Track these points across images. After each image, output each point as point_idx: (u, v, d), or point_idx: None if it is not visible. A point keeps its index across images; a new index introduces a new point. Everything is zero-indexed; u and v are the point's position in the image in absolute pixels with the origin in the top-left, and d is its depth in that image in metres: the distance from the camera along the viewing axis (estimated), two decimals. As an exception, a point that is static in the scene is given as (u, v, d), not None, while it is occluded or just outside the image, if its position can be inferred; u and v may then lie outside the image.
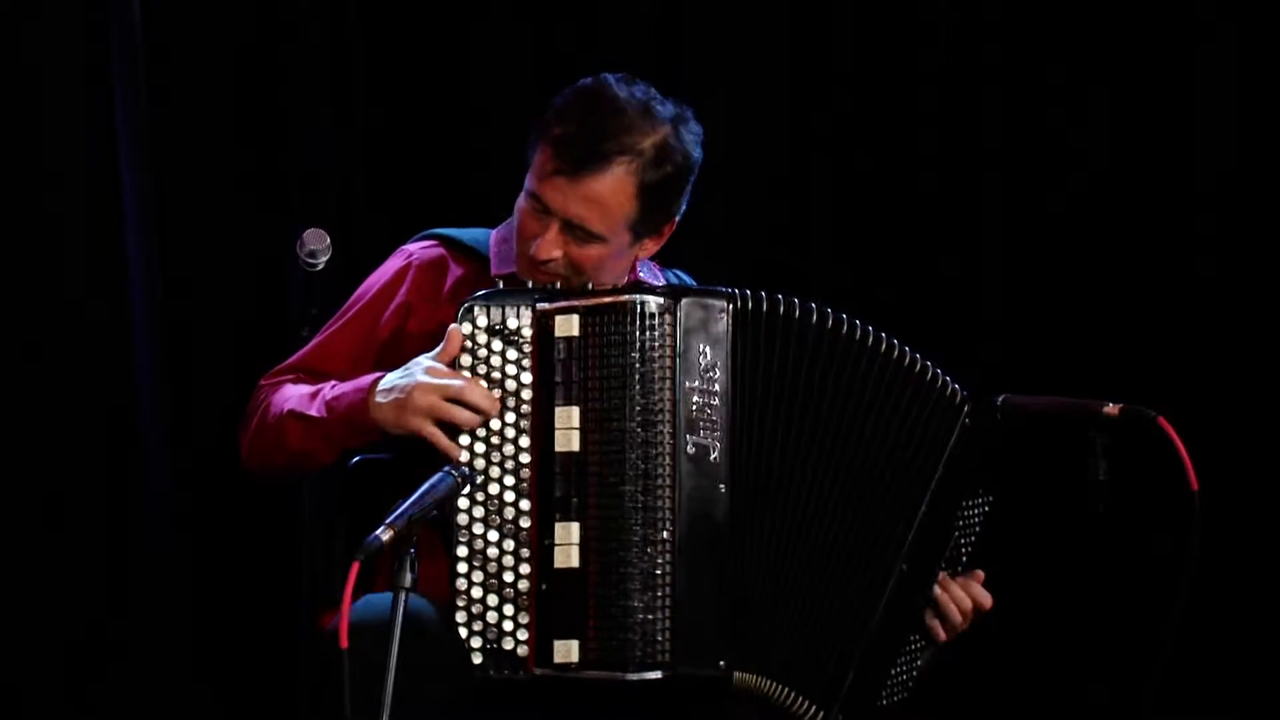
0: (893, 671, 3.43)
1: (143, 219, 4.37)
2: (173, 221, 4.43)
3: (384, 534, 3.03)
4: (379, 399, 3.31)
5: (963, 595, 3.45)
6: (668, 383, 3.26)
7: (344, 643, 2.98)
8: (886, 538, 3.38)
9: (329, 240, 3.93)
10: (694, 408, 3.27)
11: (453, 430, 3.27)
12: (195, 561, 4.46)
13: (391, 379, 3.31)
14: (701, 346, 3.28)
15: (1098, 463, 3.43)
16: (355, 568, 3.02)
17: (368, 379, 3.36)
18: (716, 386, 3.28)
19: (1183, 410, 3.48)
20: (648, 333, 3.26)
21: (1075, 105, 4.70)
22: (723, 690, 3.26)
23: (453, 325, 3.29)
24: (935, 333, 4.54)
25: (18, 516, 4.31)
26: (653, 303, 3.27)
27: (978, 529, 3.50)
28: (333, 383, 3.41)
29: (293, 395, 3.43)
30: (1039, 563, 4.56)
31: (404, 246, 3.62)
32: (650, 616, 3.21)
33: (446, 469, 3.18)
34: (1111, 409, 3.42)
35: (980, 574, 3.50)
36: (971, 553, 3.50)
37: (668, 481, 3.25)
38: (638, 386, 3.25)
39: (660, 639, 3.21)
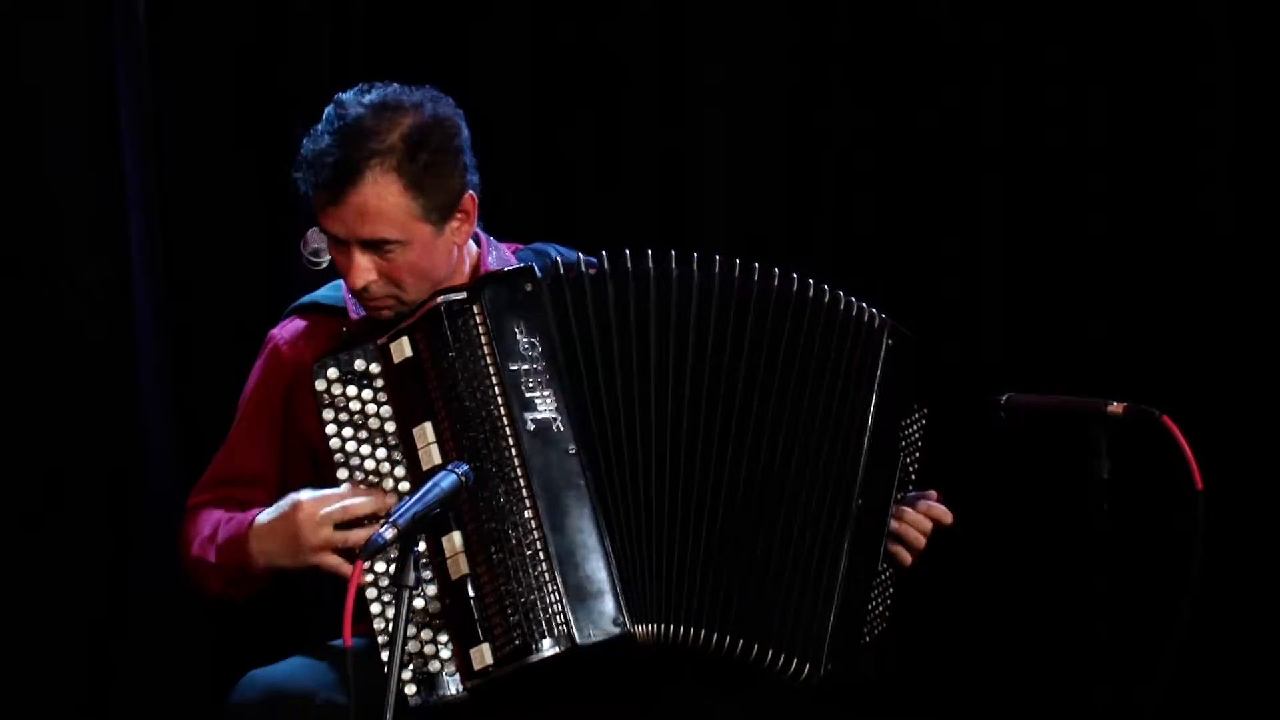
0: (869, 607, 3.43)
1: (146, 220, 4.36)
2: (176, 221, 4.42)
3: (387, 533, 3.04)
4: (261, 545, 3.38)
5: (919, 517, 3.49)
6: (492, 369, 3.31)
7: (348, 641, 2.99)
8: (835, 475, 3.40)
9: (332, 239, 3.93)
10: (525, 386, 3.32)
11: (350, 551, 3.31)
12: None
13: (268, 517, 3.38)
14: (518, 325, 3.34)
15: (1101, 462, 3.44)
16: (359, 566, 3.04)
17: (247, 518, 3.42)
18: (542, 359, 3.33)
19: (1187, 409, 3.48)
20: (463, 328, 3.33)
21: (1079, 97, 4.69)
22: (630, 648, 3.27)
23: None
24: (939, 330, 4.58)
25: (18, 517, 4.30)
26: (456, 299, 3.34)
27: (919, 445, 3.50)
28: (226, 518, 3.47)
29: (197, 536, 3.51)
30: (1042, 562, 4.57)
31: (270, 333, 3.65)
32: (536, 597, 3.24)
33: (450, 467, 3.19)
34: (1116, 408, 3.43)
35: (933, 493, 3.52)
36: (918, 469, 3.51)
37: (517, 462, 3.29)
38: (469, 382, 3.31)
39: (554, 615, 3.24)
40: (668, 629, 3.29)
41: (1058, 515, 4.44)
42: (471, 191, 3.48)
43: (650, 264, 3.39)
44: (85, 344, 4.33)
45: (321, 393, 3.36)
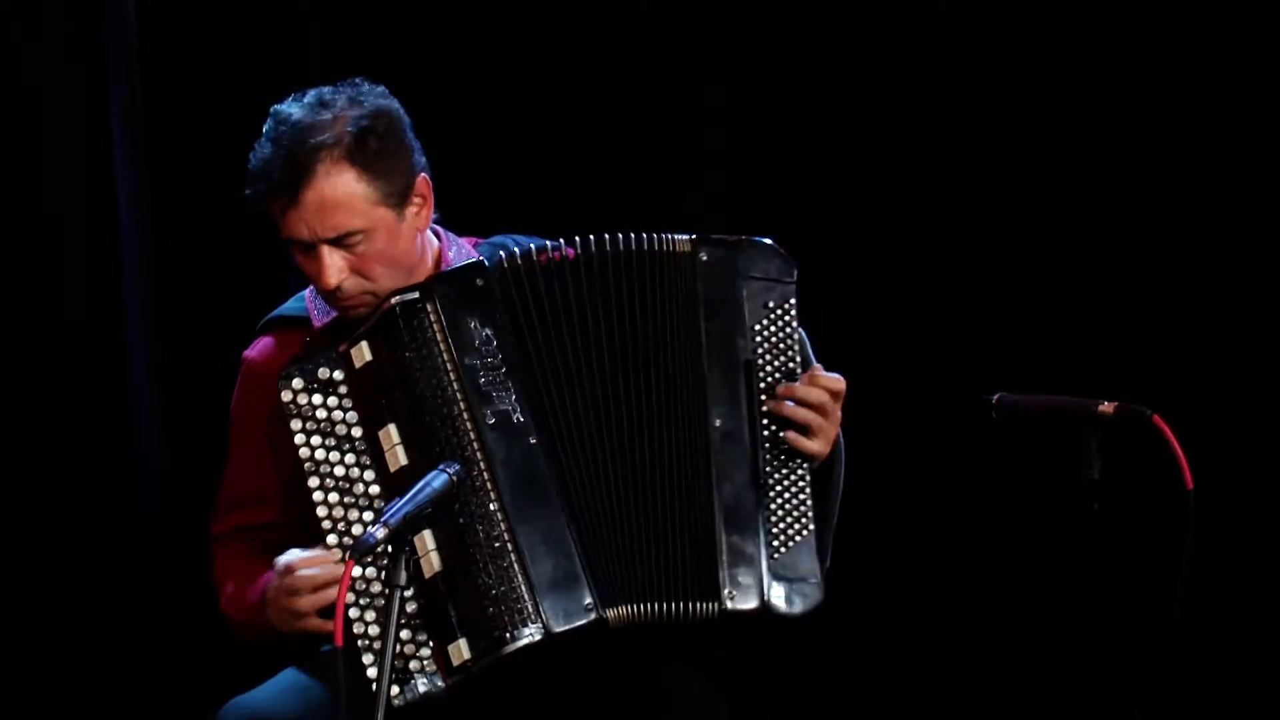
0: (772, 518, 3.38)
1: (140, 219, 4.36)
2: (170, 221, 4.43)
3: (379, 532, 3.05)
4: (269, 614, 3.40)
5: (803, 390, 3.40)
6: (450, 366, 3.33)
7: (339, 641, 3.01)
8: (687, 407, 3.39)
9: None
10: (481, 380, 3.33)
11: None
12: (195, 561, 4.45)
13: (270, 595, 3.40)
14: (472, 321, 3.35)
15: (1093, 461, 3.44)
16: (350, 566, 3.06)
17: (260, 587, 3.44)
18: (498, 352, 3.35)
19: (1178, 409, 3.48)
20: (417, 327, 3.34)
21: (1076, 98, 4.69)
22: (603, 633, 3.29)
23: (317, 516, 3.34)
24: (933, 332, 4.58)
25: (17, 517, 4.30)
26: (409, 298, 3.35)
27: (790, 341, 3.44)
28: (247, 575, 3.50)
29: (223, 589, 3.57)
30: (1033, 561, 4.57)
31: (243, 354, 3.68)
32: (507, 589, 3.26)
33: (441, 467, 3.21)
34: (1107, 408, 3.43)
35: (816, 365, 3.45)
36: (804, 356, 3.46)
37: (479, 456, 3.30)
38: (427, 382, 3.33)
39: (524, 605, 3.26)
40: (636, 609, 3.30)
41: (1049, 514, 4.44)
42: (424, 174, 3.50)
43: (562, 253, 3.41)
44: (82, 343, 4.34)
45: (288, 404, 3.37)
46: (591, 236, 3.41)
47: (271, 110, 3.47)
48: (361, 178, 3.40)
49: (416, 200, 3.47)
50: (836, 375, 3.44)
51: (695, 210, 4.73)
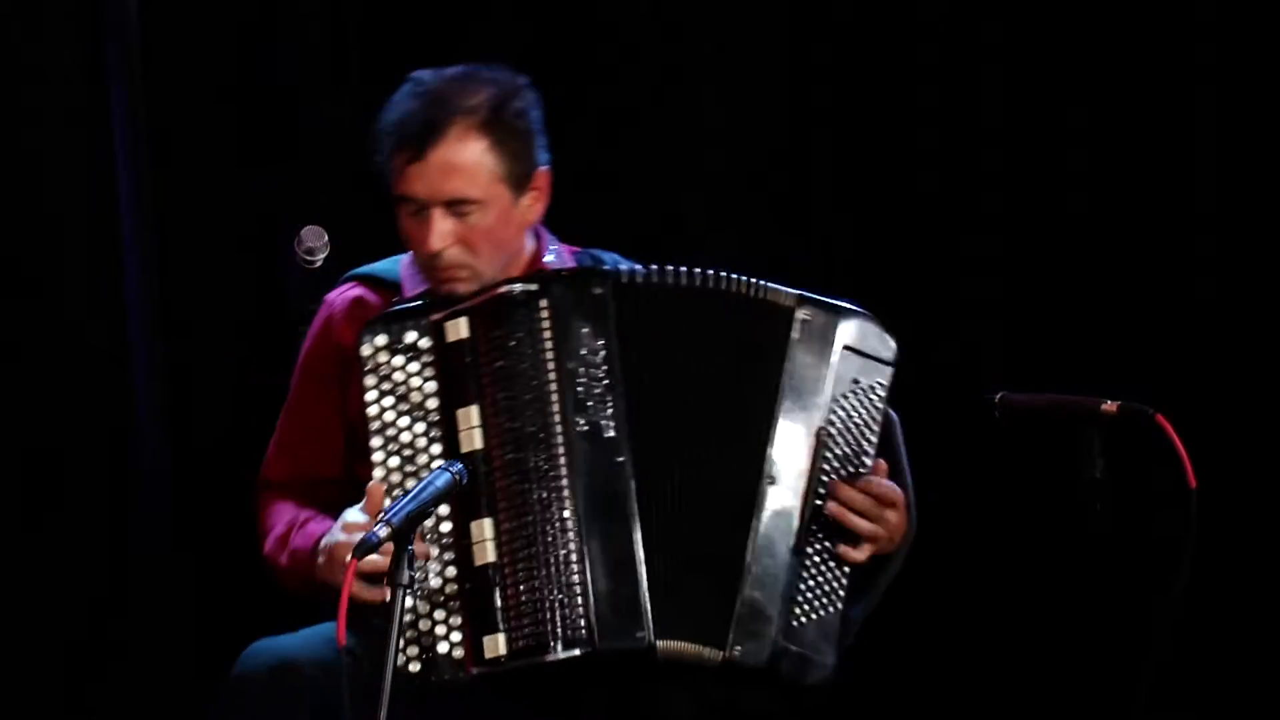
0: (801, 587, 3.35)
1: (139, 218, 4.37)
2: (170, 220, 4.43)
3: (381, 531, 3.04)
4: (319, 562, 3.37)
5: (859, 496, 3.38)
6: (551, 365, 3.31)
7: (341, 640, 2.99)
8: (749, 459, 3.37)
9: (327, 238, 3.95)
10: (580, 388, 3.31)
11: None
12: (196, 561, 4.46)
13: (324, 543, 3.36)
14: (581, 327, 3.33)
15: (1095, 461, 3.43)
16: (353, 565, 3.04)
17: (314, 534, 3.41)
18: (604, 364, 3.33)
19: (1181, 408, 3.48)
20: (526, 320, 3.32)
21: (1076, 97, 4.69)
22: (649, 661, 3.26)
23: (371, 482, 3.32)
24: (934, 330, 4.58)
25: (17, 518, 4.31)
26: (525, 289, 3.34)
27: (869, 423, 3.42)
28: (300, 520, 3.48)
29: (270, 532, 3.52)
30: (1035, 560, 4.56)
31: (326, 296, 3.66)
32: (564, 597, 3.24)
33: (444, 465, 3.19)
34: (1110, 406, 3.43)
35: (878, 466, 3.42)
36: (876, 444, 3.43)
37: (563, 462, 3.28)
38: (525, 375, 3.31)
39: (578, 619, 3.23)
40: (687, 647, 3.28)
41: (1051, 514, 4.43)
42: (546, 168, 3.50)
43: (686, 279, 3.38)
44: (81, 343, 4.34)
45: (367, 358, 3.35)
46: (698, 270, 3.39)
47: (412, 75, 3.48)
48: (490, 150, 3.41)
49: (534, 191, 3.48)
50: (892, 485, 3.41)
51: (694, 211, 4.73)
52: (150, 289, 4.38)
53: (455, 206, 3.41)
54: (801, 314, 3.40)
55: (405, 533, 3.07)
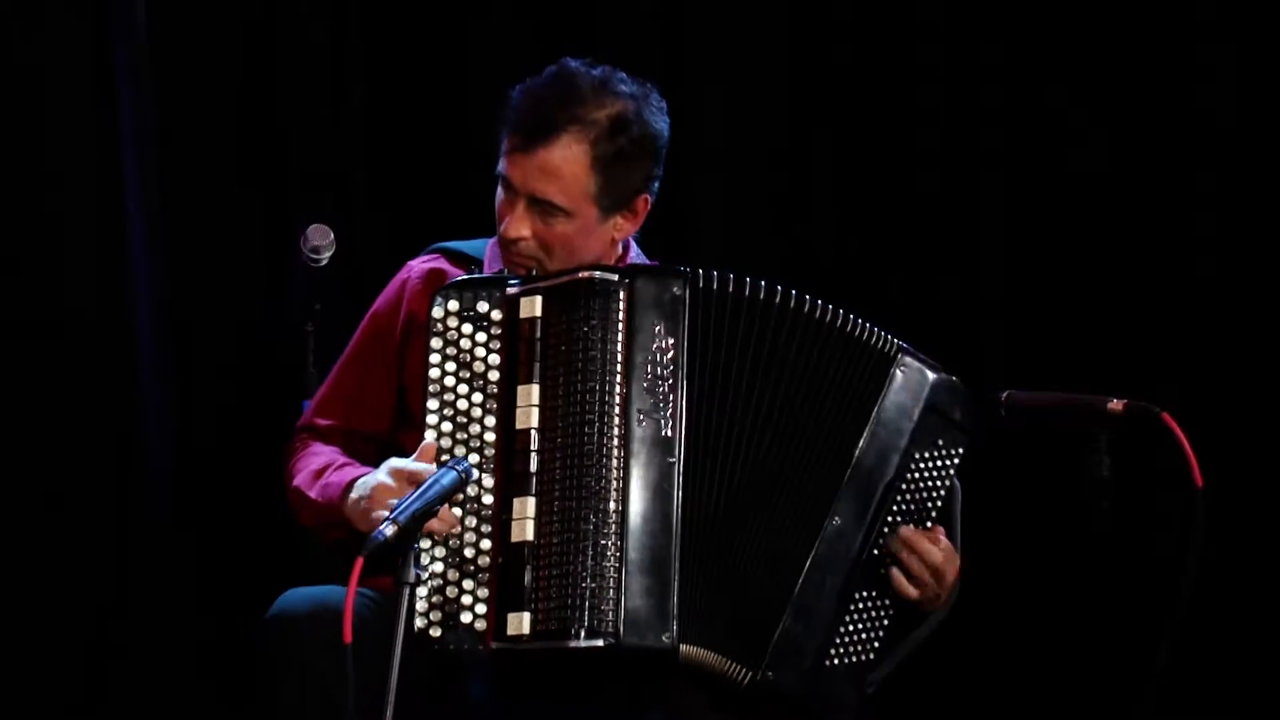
0: (842, 629, 3.37)
1: (146, 217, 4.37)
2: (176, 219, 4.43)
3: (388, 529, 3.03)
4: (351, 497, 3.35)
5: (927, 545, 3.39)
6: (619, 358, 3.30)
7: (347, 638, 2.98)
8: (816, 491, 3.37)
9: (333, 236, 3.94)
10: (645, 382, 3.30)
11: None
12: (197, 560, 4.46)
13: (363, 481, 3.35)
14: (656, 323, 3.31)
15: (1101, 459, 3.42)
16: (359, 564, 3.02)
17: (349, 475, 3.40)
18: (671, 363, 3.31)
19: (1187, 407, 3.48)
20: (602, 309, 3.30)
21: (1078, 96, 4.69)
22: (669, 663, 3.26)
23: (426, 440, 3.30)
24: (938, 328, 4.58)
25: (20, 516, 4.31)
26: (607, 279, 3.31)
27: (942, 484, 3.43)
28: (339, 463, 3.47)
29: (305, 468, 3.50)
30: (1041, 559, 4.57)
31: (409, 261, 3.66)
32: (597, 587, 3.22)
33: (451, 464, 3.19)
34: (1116, 405, 3.41)
35: (938, 528, 3.43)
36: (942, 509, 3.44)
37: (616, 456, 3.27)
38: (593, 362, 3.29)
39: (606, 610, 3.22)
40: (711, 657, 3.28)
41: (1058, 513, 4.44)
42: (648, 195, 3.51)
43: (765, 293, 3.37)
44: (88, 343, 4.35)
45: (436, 320, 3.33)
46: (807, 295, 3.38)
47: (564, 60, 3.48)
48: (592, 168, 3.42)
49: (627, 214, 3.50)
50: (950, 549, 3.42)
51: (694, 210, 4.73)
52: (155, 287, 4.39)
53: (542, 206, 3.43)
54: (902, 365, 3.42)
55: (412, 531, 3.06)
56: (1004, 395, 3.53)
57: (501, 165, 3.47)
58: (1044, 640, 4.60)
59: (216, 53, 4.48)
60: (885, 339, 3.42)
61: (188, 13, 4.45)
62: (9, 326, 4.30)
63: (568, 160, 3.41)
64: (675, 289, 3.33)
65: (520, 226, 3.44)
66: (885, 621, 3.41)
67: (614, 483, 3.26)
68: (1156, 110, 4.67)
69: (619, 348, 3.30)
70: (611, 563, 3.23)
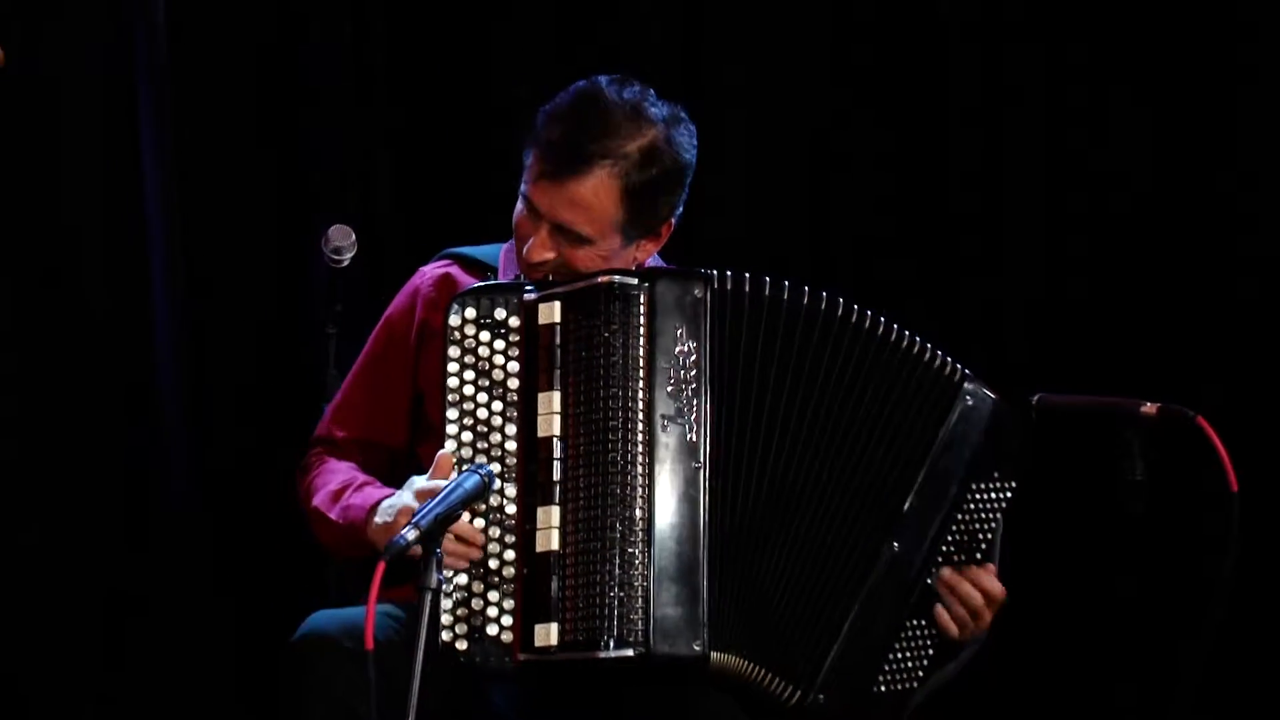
0: (891, 656, 3.35)
1: (165, 217, 4.38)
2: (196, 219, 4.43)
3: (410, 534, 3.01)
4: (376, 522, 3.33)
5: (969, 588, 3.36)
6: (642, 363, 3.27)
7: (369, 644, 2.95)
8: (876, 516, 3.33)
9: (354, 237, 3.92)
10: (669, 387, 3.27)
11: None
12: (215, 556, 4.46)
13: (388, 504, 3.33)
14: (678, 327, 3.28)
15: (1135, 463, 3.40)
16: (381, 568, 2.99)
17: (372, 498, 3.37)
18: (694, 367, 3.28)
19: (1222, 410, 3.45)
20: (622, 314, 3.27)
21: (1104, 96, 4.66)
22: (699, 671, 3.23)
23: (441, 451, 3.28)
24: (969, 331, 4.55)
25: (38, 508, 4.30)
26: (627, 283, 3.28)
27: (995, 516, 3.40)
28: (358, 482, 3.44)
29: (323, 487, 3.48)
30: (1075, 564, 4.53)
31: (421, 267, 3.64)
32: (625, 596, 3.20)
33: (473, 468, 3.16)
34: (1150, 409, 3.39)
35: (990, 565, 3.40)
36: (991, 541, 3.41)
37: (641, 462, 3.24)
38: (614, 368, 3.26)
39: (635, 619, 3.20)
40: (739, 662, 3.25)
41: (1091, 516, 4.41)
42: (673, 220, 3.48)
43: (792, 295, 3.34)
44: (107, 343, 4.34)
45: (453, 328, 3.31)
46: (869, 311, 3.35)
47: (597, 79, 3.43)
48: (621, 203, 3.37)
49: (652, 239, 3.47)
50: (1000, 587, 3.39)
51: (711, 209, 4.70)
52: (175, 288, 4.38)
53: (567, 233, 3.39)
54: (968, 393, 3.38)
55: (435, 535, 3.03)
56: (1036, 398, 3.50)
57: (526, 187, 3.42)
58: (1079, 644, 4.57)
59: (237, 54, 4.48)
60: (950, 363, 3.38)
61: (208, 13, 4.44)
62: (29, 327, 4.29)
63: (598, 193, 3.37)
64: (696, 291, 3.29)
65: (543, 251, 3.39)
66: (930, 651, 3.38)
67: (639, 490, 3.24)
68: (1191, 109, 4.63)
69: (640, 352, 3.27)
70: (639, 571, 3.21)
